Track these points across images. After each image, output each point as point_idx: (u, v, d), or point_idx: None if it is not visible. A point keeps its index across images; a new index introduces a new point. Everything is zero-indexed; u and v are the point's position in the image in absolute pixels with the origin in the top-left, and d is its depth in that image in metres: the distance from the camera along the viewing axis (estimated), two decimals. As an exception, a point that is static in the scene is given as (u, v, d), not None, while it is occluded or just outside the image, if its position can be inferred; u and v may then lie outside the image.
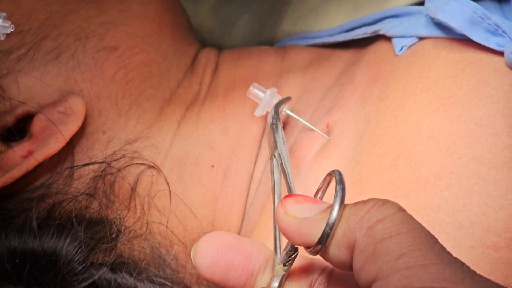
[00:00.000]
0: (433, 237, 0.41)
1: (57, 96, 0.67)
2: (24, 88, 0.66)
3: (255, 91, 0.69)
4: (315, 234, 0.43)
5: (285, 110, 0.69)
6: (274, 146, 0.61)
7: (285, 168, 0.56)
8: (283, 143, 0.61)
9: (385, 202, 0.42)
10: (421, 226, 0.41)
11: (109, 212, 0.65)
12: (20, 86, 0.66)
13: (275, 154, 0.60)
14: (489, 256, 0.52)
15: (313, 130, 0.67)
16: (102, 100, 0.69)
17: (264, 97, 0.68)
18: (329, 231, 0.43)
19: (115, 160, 0.67)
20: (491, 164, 0.55)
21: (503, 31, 0.58)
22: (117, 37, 0.71)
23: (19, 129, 0.66)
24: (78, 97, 0.66)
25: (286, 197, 0.45)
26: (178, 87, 0.73)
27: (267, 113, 0.68)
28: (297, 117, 0.69)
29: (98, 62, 0.69)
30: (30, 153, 0.62)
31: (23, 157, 0.62)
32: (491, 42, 0.58)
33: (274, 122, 0.65)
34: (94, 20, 0.71)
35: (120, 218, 0.65)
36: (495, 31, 0.59)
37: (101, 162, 0.67)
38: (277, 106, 0.67)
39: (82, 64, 0.69)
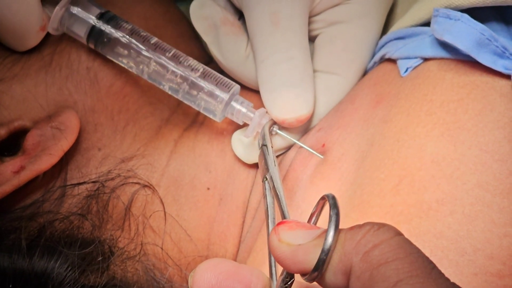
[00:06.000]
0: (431, 262, 0.40)
1: (51, 108, 0.66)
2: (18, 99, 0.65)
3: (244, 111, 0.67)
4: (311, 261, 0.42)
5: (276, 130, 0.68)
6: (266, 169, 0.60)
7: (277, 192, 0.56)
8: (275, 165, 0.60)
9: (381, 226, 0.42)
10: (418, 250, 0.41)
11: (102, 232, 0.64)
12: (14, 97, 0.65)
13: (267, 177, 0.59)
14: (492, 284, 0.52)
15: (305, 149, 0.66)
16: (97, 114, 0.68)
17: (253, 118, 0.67)
18: (325, 257, 0.42)
19: (109, 180, 0.66)
20: (496, 190, 0.54)
21: (511, 54, 0.58)
22: None
23: (12, 143, 0.64)
24: (72, 111, 0.65)
25: (279, 223, 0.45)
26: (178, 106, 0.72)
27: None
28: (289, 137, 0.68)
29: (91, 71, 0.68)
30: (21, 168, 0.62)
31: (14, 173, 0.62)
32: (498, 65, 0.58)
33: (265, 143, 0.64)
34: None
35: (113, 239, 0.64)
36: (502, 54, 0.58)
37: (95, 181, 0.66)
38: (267, 126, 0.66)
39: (76, 73, 0.68)
